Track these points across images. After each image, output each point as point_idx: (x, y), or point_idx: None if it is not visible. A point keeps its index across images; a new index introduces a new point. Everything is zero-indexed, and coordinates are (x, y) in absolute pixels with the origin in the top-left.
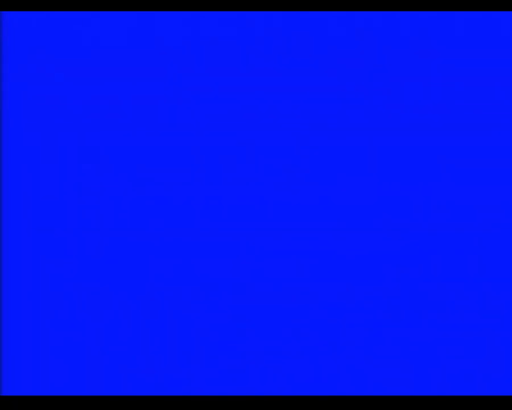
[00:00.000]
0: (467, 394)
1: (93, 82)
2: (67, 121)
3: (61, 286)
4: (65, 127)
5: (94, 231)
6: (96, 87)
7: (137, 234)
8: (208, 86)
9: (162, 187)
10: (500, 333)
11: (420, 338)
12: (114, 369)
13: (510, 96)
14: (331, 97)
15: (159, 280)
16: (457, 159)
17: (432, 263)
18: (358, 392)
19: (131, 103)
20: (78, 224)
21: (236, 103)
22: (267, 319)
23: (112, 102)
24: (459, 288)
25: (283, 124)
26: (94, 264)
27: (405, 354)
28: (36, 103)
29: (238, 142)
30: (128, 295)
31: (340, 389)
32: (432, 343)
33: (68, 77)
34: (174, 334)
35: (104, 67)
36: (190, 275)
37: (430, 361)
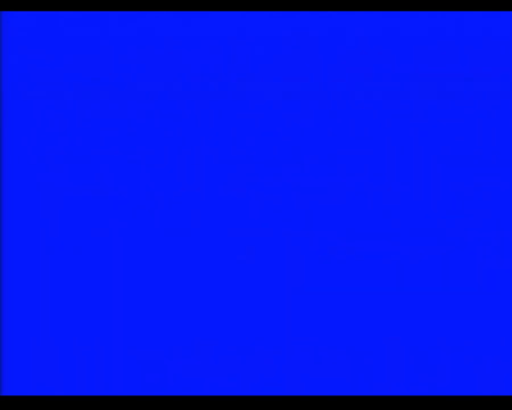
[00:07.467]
0: (467, 394)
1: (93, 82)
2: (67, 120)
3: (61, 286)
4: (65, 127)
5: (93, 231)
6: (96, 87)
7: (136, 233)
8: (208, 86)
9: (162, 188)
10: (500, 333)
11: (420, 338)
12: (114, 369)
13: (510, 96)
14: (331, 97)
15: (158, 280)
16: (456, 159)
17: (431, 262)
18: (358, 392)
19: (130, 102)
20: (77, 224)
21: (236, 103)
22: (267, 319)
23: (112, 101)
24: (459, 289)
25: (282, 124)
26: (94, 264)
27: (404, 354)
28: (36, 103)
29: (237, 141)
30: (128, 296)
31: (340, 389)
32: (431, 343)
33: (68, 77)
34: (174, 334)
35: (104, 67)
36: (190, 275)
37: (429, 361)
